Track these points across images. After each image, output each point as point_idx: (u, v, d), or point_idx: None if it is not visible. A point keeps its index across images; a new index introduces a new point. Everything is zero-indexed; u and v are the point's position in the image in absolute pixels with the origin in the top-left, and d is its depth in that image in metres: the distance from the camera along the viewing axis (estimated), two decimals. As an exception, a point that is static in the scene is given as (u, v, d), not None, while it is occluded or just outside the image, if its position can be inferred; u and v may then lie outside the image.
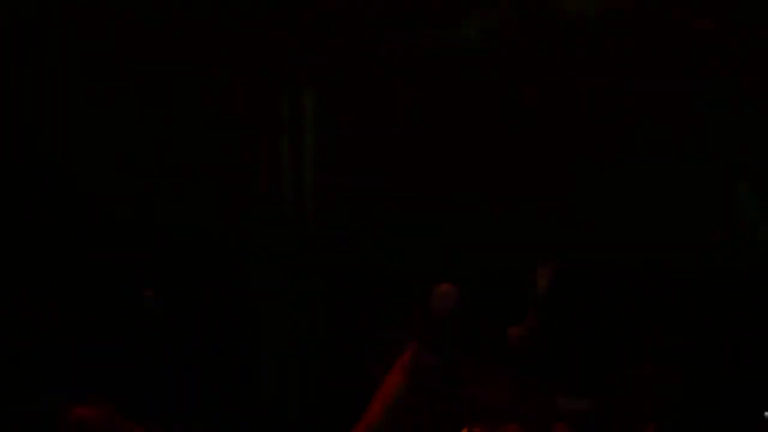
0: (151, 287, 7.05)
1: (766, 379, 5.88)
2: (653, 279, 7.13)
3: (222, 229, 7.36)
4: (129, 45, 7.12)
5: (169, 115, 7.25)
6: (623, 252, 7.21)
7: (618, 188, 7.40)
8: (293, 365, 7.39)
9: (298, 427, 7.25)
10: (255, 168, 7.53)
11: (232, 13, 7.25)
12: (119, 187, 7.25)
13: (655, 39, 7.36)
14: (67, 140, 7.15)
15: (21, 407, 5.69)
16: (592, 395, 5.98)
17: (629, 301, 7.03)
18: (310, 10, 7.35)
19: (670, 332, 6.36)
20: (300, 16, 7.36)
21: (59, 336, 6.50)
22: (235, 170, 7.46)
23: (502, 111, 7.42)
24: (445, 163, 7.35)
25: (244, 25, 7.28)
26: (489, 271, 6.82)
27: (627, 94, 7.39)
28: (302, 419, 7.27)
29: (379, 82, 7.37)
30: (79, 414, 3.43)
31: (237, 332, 7.34)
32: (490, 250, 7.22)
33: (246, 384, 7.29)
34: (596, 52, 7.36)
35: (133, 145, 7.26)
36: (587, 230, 7.27)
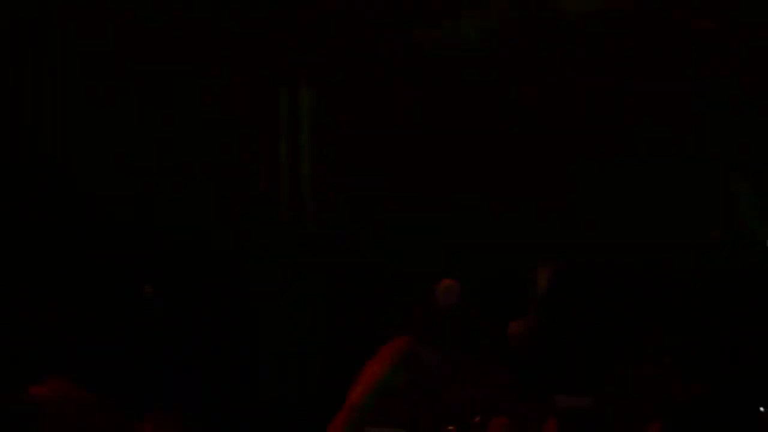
0: (150, 284, 7.05)
1: (763, 377, 5.88)
2: (652, 278, 7.13)
3: (222, 229, 7.36)
4: (129, 45, 7.12)
5: (168, 115, 7.24)
6: (623, 251, 7.21)
7: (618, 188, 7.40)
8: (293, 365, 7.39)
9: (298, 427, 7.24)
10: (254, 168, 7.53)
11: (231, 12, 7.24)
12: (119, 187, 7.24)
13: (655, 39, 7.36)
14: (67, 140, 7.15)
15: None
16: (591, 394, 5.98)
17: (629, 300, 7.03)
18: (309, 10, 7.35)
19: (669, 332, 6.35)
20: (299, 16, 7.36)
21: (59, 336, 6.50)
22: (235, 170, 7.46)
23: (502, 111, 7.42)
24: (444, 162, 7.36)
25: (243, 24, 7.28)
26: (489, 271, 6.82)
27: (627, 94, 7.39)
28: (302, 419, 7.26)
29: (379, 82, 7.37)
30: (34, 393, 3.41)
31: (237, 332, 7.34)
32: (490, 250, 7.22)
33: (246, 384, 7.29)
34: (596, 52, 7.36)
35: (133, 145, 7.26)
36: (587, 230, 7.27)
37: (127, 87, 7.18)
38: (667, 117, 7.37)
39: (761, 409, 4.64)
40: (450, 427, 4.41)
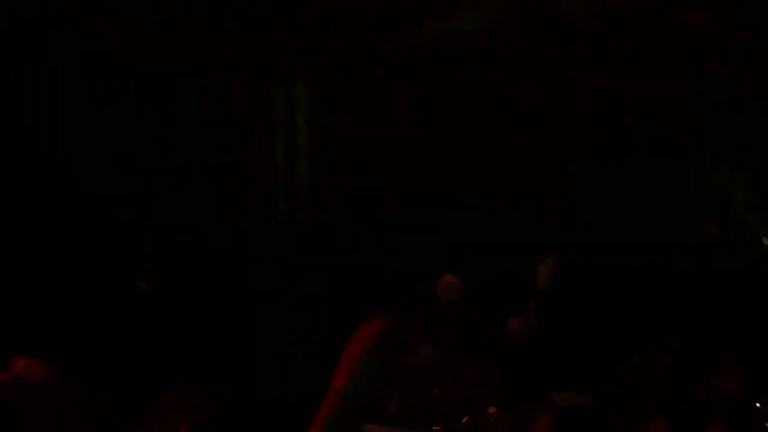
0: (146, 281, 7.05)
1: (760, 372, 5.88)
2: (651, 277, 7.13)
3: (221, 229, 7.36)
4: (129, 45, 7.12)
5: (167, 116, 7.25)
6: (622, 251, 7.20)
7: (617, 188, 7.40)
8: (293, 365, 7.39)
9: (298, 427, 7.23)
10: (253, 168, 7.53)
11: (230, 12, 7.25)
12: (118, 187, 7.25)
13: (655, 39, 7.36)
14: (66, 140, 7.15)
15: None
16: (590, 392, 5.98)
17: (628, 299, 7.02)
18: (307, 10, 7.35)
19: (668, 330, 6.36)
20: (297, 16, 7.36)
21: (59, 335, 6.50)
22: (234, 170, 7.46)
23: (502, 111, 7.42)
24: (444, 162, 7.35)
25: (242, 24, 7.28)
26: (488, 271, 6.81)
27: (627, 94, 7.38)
28: (302, 419, 7.25)
29: (377, 81, 7.37)
30: (20, 365, 3.43)
31: (237, 332, 7.34)
32: (490, 249, 7.22)
33: (246, 384, 7.28)
34: (596, 52, 7.35)
35: (131, 145, 7.26)
36: (587, 230, 7.27)
37: (126, 87, 7.19)
38: (667, 117, 7.37)
39: (758, 405, 4.65)
40: (435, 428, 4.41)
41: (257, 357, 7.41)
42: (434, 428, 4.29)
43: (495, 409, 4.81)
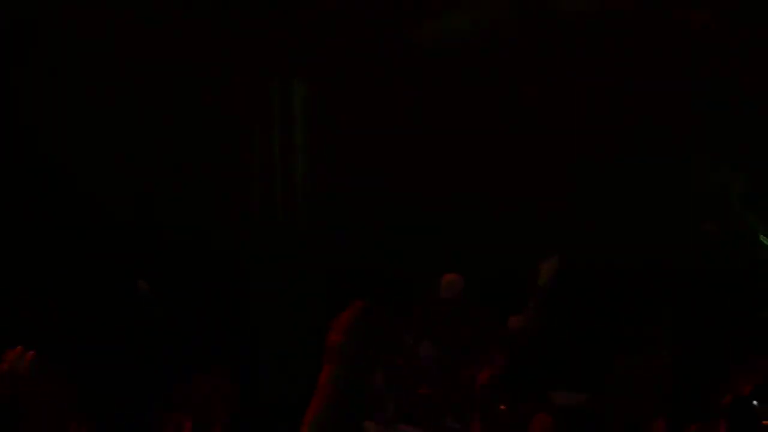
0: (144, 279, 7.05)
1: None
2: (651, 276, 7.13)
3: (221, 229, 7.36)
4: (128, 45, 7.12)
5: (166, 116, 7.25)
6: (621, 250, 7.20)
7: (617, 188, 7.40)
8: (293, 365, 7.39)
9: (298, 427, 7.23)
10: (252, 168, 7.53)
11: (229, 12, 7.25)
12: (118, 187, 7.25)
13: (655, 39, 7.35)
14: (65, 140, 7.15)
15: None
16: (589, 391, 5.98)
17: (627, 298, 7.03)
18: (305, 9, 7.35)
19: (667, 329, 6.36)
20: (295, 15, 7.36)
21: (59, 335, 6.50)
22: (233, 170, 7.47)
23: (502, 111, 7.42)
24: (443, 162, 7.35)
25: (240, 24, 7.28)
26: (488, 270, 6.81)
27: (627, 94, 7.38)
28: (302, 419, 7.25)
29: (377, 81, 7.37)
30: (9, 357, 3.44)
31: (237, 332, 7.33)
32: (490, 249, 7.22)
33: (246, 384, 7.28)
34: (596, 52, 7.35)
35: (131, 145, 7.27)
36: (586, 229, 7.27)
37: (125, 87, 7.19)
38: (667, 117, 7.37)
39: (754, 402, 4.65)
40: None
41: (257, 357, 7.40)
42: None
43: (504, 407, 4.82)
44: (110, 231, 7.20)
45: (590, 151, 7.42)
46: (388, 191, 7.39)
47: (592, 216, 7.33)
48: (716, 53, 7.31)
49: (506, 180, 7.36)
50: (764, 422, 4.80)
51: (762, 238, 7.29)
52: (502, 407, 4.95)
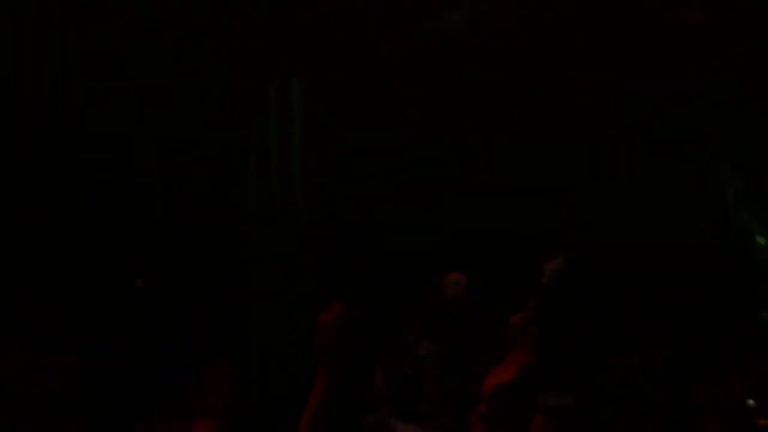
0: (142, 278, 7.06)
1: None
2: (651, 276, 7.14)
3: (221, 229, 7.37)
4: (127, 45, 7.13)
5: (165, 116, 7.26)
6: (621, 249, 7.21)
7: (617, 187, 7.41)
8: (293, 365, 7.39)
9: (297, 427, 7.23)
10: (251, 168, 7.54)
11: (228, 12, 7.25)
12: (118, 187, 7.26)
13: (655, 39, 7.36)
14: (65, 140, 7.16)
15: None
16: (587, 391, 5.98)
17: (627, 297, 7.03)
18: (303, 9, 7.35)
19: (665, 329, 6.37)
20: (292, 16, 7.36)
21: (58, 334, 6.50)
22: (232, 170, 7.47)
23: (502, 111, 7.43)
24: (443, 161, 7.36)
25: (238, 24, 7.29)
26: (488, 268, 6.82)
27: (627, 94, 7.39)
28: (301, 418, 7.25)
29: (375, 80, 7.38)
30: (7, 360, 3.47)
31: (237, 332, 7.34)
32: (491, 247, 7.23)
33: (245, 383, 7.28)
34: (596, 52, 7.36)
35: (130, 145, 7.28)
36: (586, 229, 7.27)
37: (125, 87, 7.20)
38: (667, 117, 7.38)
39: (750, 401, 4.67)
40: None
41: (257, 356, 7.40)
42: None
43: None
44: (110, 230, 7.21)
45: (589, 151, 7.43)
46: (388, 191, 7.40)
47: (592, 216, 7.34)
48: (716, 53, 7.32)
49: (506, 180, 7.37)
50: (760, 422, 4.81)
51: (759, 238, 7.30)
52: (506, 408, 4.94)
